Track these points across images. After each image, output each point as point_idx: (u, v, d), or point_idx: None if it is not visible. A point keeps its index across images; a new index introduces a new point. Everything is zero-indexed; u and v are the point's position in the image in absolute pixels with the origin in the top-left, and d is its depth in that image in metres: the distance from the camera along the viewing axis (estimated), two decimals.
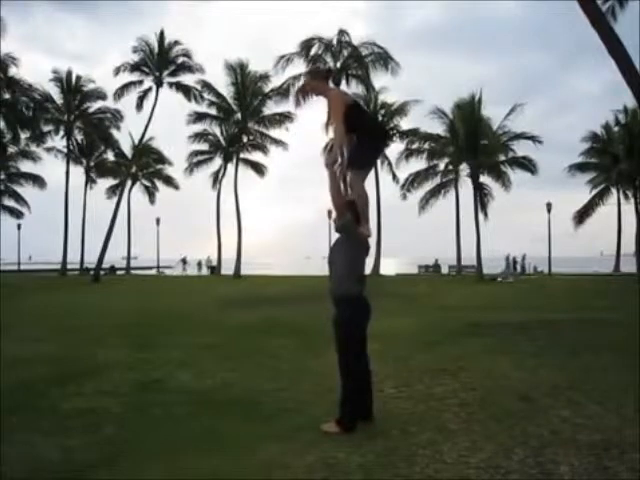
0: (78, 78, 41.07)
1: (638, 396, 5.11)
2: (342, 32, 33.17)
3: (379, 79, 35.45)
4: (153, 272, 51.20)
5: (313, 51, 33.91)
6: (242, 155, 40.84)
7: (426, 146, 38.27)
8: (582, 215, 40.94)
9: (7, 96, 32.25)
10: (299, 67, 33.97)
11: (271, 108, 38.96)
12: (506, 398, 5.32)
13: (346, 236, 4.63)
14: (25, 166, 42.56)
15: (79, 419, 4.79)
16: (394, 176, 39.34)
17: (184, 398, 5.52)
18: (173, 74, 35.78)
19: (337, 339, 4.51)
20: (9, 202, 43.83)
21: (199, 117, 39.89)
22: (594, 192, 41.20)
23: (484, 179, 34.95)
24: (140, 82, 35.54)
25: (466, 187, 36.59)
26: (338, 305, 4.53)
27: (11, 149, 39.27)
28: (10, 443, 4.18)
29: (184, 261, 53.08)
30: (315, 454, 3.89)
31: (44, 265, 57.43)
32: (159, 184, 49.78)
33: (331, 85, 5.19)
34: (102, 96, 40.42)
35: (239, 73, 38.84)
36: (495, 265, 36.65)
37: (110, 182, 47.21)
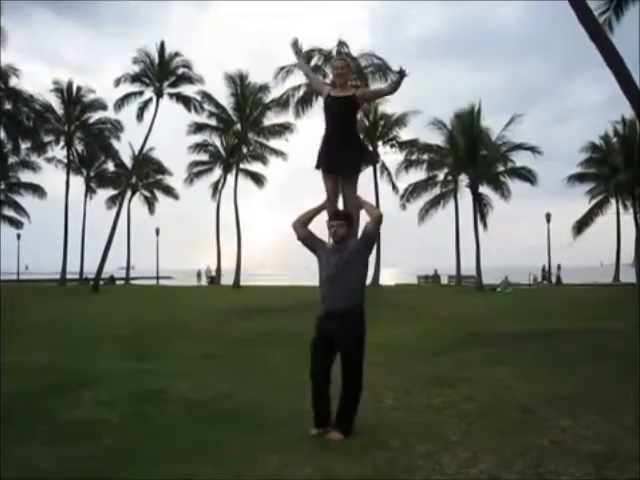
0: (79, 89, 41.17)
1: (639, 406, 5.09)
2: (342, 43, 33.30)
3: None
4: (153, 282, 51.04)
5: (313, 62, 34.05)
6: (242, 166, 40.94)
7: (425, 157, 38.38)
8: (581, 225, 40.98)
9: (8, 106, 32.35)
10: (299, 78, 34.10)
11: (271, 119, 39.13)
12: (506, 409, 5.30)
13: (369, 246, 4.65)
14: (25, 176, 42.65)
15: (78, 429, 4.78)
16: (394, 186, 39.40)
17: (183, 409, 5.51)
18: (173, 85, 35.92)
19: (356, 348, 4.50)
20: (9, 212, 43.87)
21: (199, 128, 40.04)
22: (593, 202, 41.32)
23: (483, 189, 35.06)
24: (140, 93, 35.67)
25: (465, 197, 36.69)
26: (352, 315, 4.52)
27: (12, 159, 39.32)
28: (8, 453, 4.16)
29: (218, 272, 50.14)
30: (314, 465, 3.87)
31: (42, 275, 57.28)
32: (159, 194, 49.86)
33: None
34: (102, 107, 40.52)
35: (239, 84, 39.00)
36: (495, 276, 36.58)
37: (110, 192, 47.31)
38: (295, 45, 5.31)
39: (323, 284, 4.61)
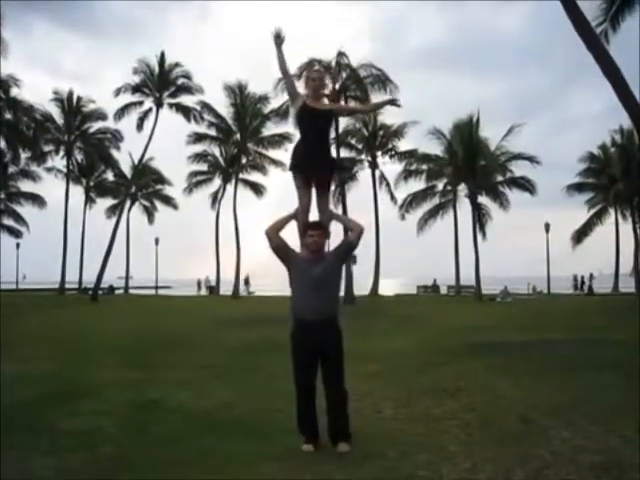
0: (79, 99, 41.36)
1: (638, 417, 5.08)
2: (341, 54, 33.53)
3: (378, 100, 35.67)
4: (152, 292, 50.92)
5: None
6: (241, 175, 41.01)
7: (424, 167, 38.50)
8: (580, 235, 41.02)
9: (9, 116, 32.45)
10: (298, 89, 34.19)
11: (270, 129, 39.27)
12: (506, 419, 5.29)
13: (347, 257, 4.71)
14: (25, 185, 42.74)
15: (77, 439, 4.76)
16: (392, 197, 39.52)
17: (183, 418, 5.49)
18: (173, 95, 36.07)
19: (340, 357, 4.55)
20: (8, 221, 43.88)
21: (199, 138, 40.12)
22: (592, 212, 41.40)
23: (482, 199, 35.12)
24: (140, 103, 35.80)
25: (464, 207, 36.78)
26: (333, 324, 4.57)
27: (11, 168, 39.37)
28: (8, 462, 4.14)
29: (246, 281, 47.19)
30: (314, 474, 3.87)
31: (39, 284, 57.20)
32: (158, 204, 49.90)
33: None
34: (102, 117, 40.68)
35: (238, 94, 39.16)
36: (495, 286, 36.57)
37: (109, 202, 47.37)
38: (278, 36, 4.92)
39: (303, 294, 4.54)
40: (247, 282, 47.11)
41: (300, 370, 4.54)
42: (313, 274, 4.50)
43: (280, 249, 4.67)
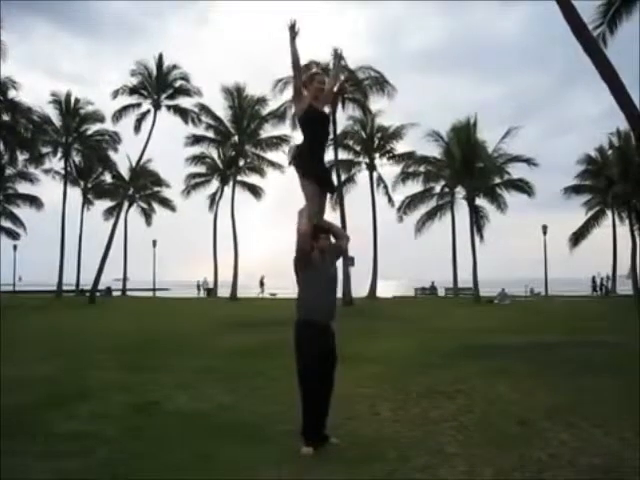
0: (77, 100, 41.29)
1: (638, 419, 5.08)
2: (339, 56, 33.61)
3: (376, 102, 35.60)
4: (149, 294, 50.79)
5: None
6: (239, 178, 41.01)
7: (422, 169, 38.53)
8: (578, 237, 41.04)
9: (6, 118, 32.39)
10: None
11: (268, 131, 39.28)
12: (504, 421, 5.29)
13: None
14: (23, 187, 42.64)
15: (74, 442, 4.74)
16: (389, 199, 39.54)
17: (181, 421, 5.47)
18: (171, 97, 36.05)
19: (334, 357, 4.62)
20: (5, 223, 43.77)
21: (196, 140, 40.10)
22: (589, 214, 41.43)
23: (480, 201, 35.14)
24: (138, 105, 35.78)
25: (462, 210, 36.79)
26: (329, 328, 4.63)
27: (9, 170, 39.28)
28: (5, 466, 4.12)
29: (261, 282, 46.09)
30: (313, 477, 3.86)
31: (36, 287, 56.95)
32: (156, 206, 49.85)
33: None
34: (100, 118, 40.64)
35: (236, 96, 39.18)
36: (492, 288, 36.58)
37: (107, 204, 47.30)
38: (292, 28, 4.87)
39: (318, 294, 4.51)
40: (262, 284, 46.13)
41: (310, 374, 4.45)
42: (330, 275, 4.65)
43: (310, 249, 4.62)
